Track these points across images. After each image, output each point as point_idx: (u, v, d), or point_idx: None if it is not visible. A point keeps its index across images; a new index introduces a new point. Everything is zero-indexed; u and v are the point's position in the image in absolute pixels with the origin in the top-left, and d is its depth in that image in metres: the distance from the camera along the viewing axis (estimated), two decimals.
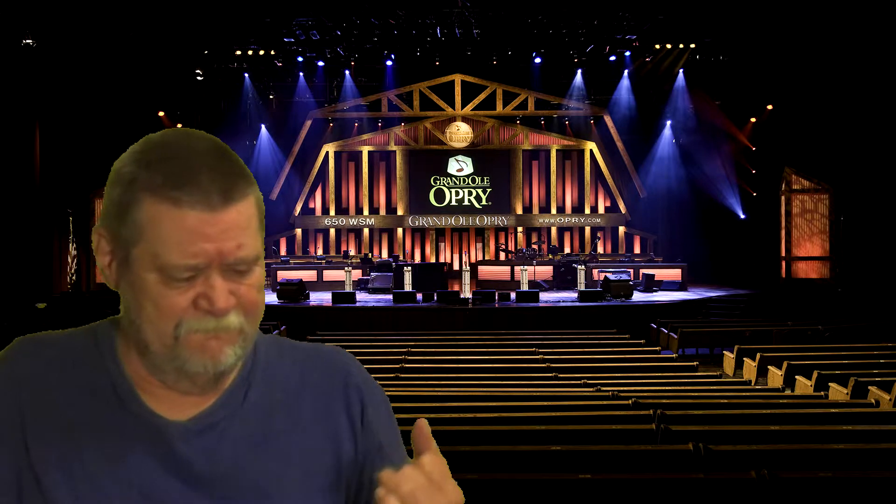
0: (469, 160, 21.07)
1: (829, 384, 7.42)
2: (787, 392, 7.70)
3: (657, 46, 18.59)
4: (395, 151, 21.23)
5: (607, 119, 20.53)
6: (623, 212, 21.10)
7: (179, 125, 18.50)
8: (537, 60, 19.34)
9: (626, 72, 19.64)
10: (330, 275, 17.73)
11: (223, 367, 0.91)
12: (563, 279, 17.63)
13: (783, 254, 18.63)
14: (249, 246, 0.90)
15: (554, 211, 21.23)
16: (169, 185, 0.87)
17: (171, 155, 0.89)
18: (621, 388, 6.98)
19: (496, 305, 14.33)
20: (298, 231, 21.17)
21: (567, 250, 20.80)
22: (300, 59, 19.00)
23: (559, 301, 14.80)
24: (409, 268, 16.64)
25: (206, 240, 0.87)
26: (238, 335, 0.91)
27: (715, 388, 7.48)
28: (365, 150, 21.28)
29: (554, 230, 21.17)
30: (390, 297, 15.34)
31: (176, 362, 0.90)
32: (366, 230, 21.31)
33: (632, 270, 16.66)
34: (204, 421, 0.94)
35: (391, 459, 1.00)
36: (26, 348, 0.97)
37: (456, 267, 20.15)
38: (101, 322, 1.00)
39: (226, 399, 0.96)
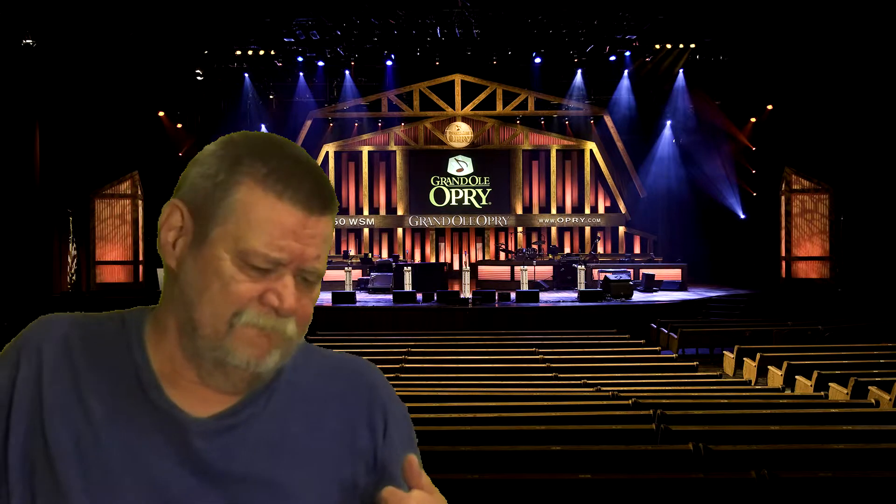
0: (469, 160, 21.07)
1: (829, 384, 7.42)
2: (787, 392, 7.70)
3: (657, 46, 18.58)
4: (395, 151, 21.24)
5: (607, 119, 20.52)
6: (623, 212, 21.10)
7: (179, 125, 18.73)
8: (537, 60, 19.33)
9: (626, 72, 19.64)
10: (330, 275, 17.70)
11: (263, 368, 0.91)
12: (563, 279, 17.63)
13: (783, 254, 18.61)
14: (324, 260, 0.92)
15: (554, 211, 21.23)
16: (276, 177, 0.88)
17: (278, 152, 0.91)
18: (621, 388, 6.98)
19: (496, 305, 14.32)
20: None
21: (567, 250, 20.80)
22: (300, 59, 19.00)
23: (559, 301, 14.80)
24: (409, 268, 16.64)
25: (295, 239, 0.88)
26: (286, 343, 0.91)
27: (715, 388, 7.48)
28: (365, 150, 21.29)
29: (554, 230, 21.17)
30: (390, 297, 15.34)
31: (219, 352, 0.89)
32: (366, 230, 21.32)
33: (632, 270, 16.66)
34: (225, 420, 0.93)
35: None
36: (51, 328, 0.96)
37: (456, 267, 20.15)
38: (130, 310, 0.99)
39: (249, 400, 0.95)
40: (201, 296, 0.89)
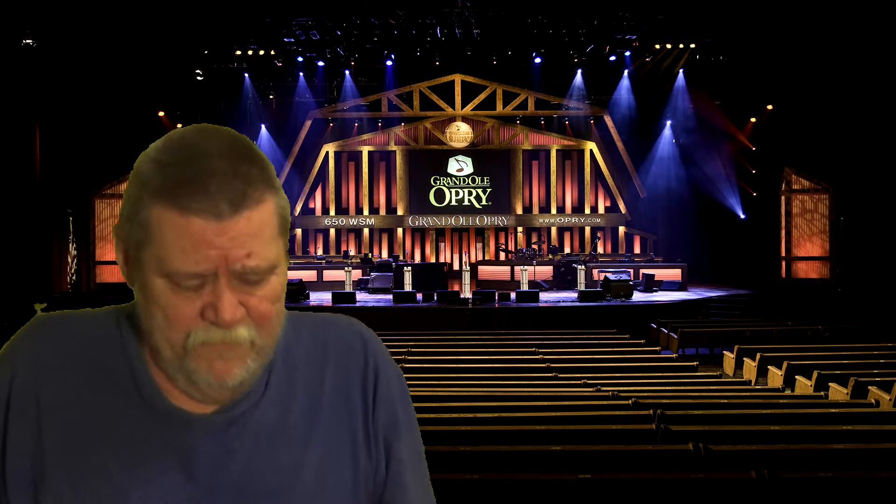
0: (469, 160, 21.07)
1: (829, 384, 7.42)
2: (787, 392, 7.70)
3: (657, 46, 18.59)
4: (395, 151, 21.23)
5: (607, 119, 20.52)
6: (623, 212, 21.10)
7: (180, 125, 18.71)
8: (537, 60, 19.33)
9: (626, 72, 19.64)
10: (330, 275, 17.73)
11: (231, 384, 0.88)
12: (563, 279, 17.62)
13: (783, 254, 18.61)
14: (261, 255, 0.86)
15: (554, 211, 21.22)
16: (176, 191, 0.83)
17: (184, 158, 0.85)
18: (621, 388, 6.97)
19: (496, 305, 14.32)
20: (298, 231, 21.17)
21: (567, 250, 20.80)
22: (300, 59, 19.00)
23: (559, 301, 14.79)
24: (409, 268, 16.64)
25: (210, 247, 0.83)
26: (249, 350, 0.88)
27: (715, 388, 7.48)
28: (365, 150, 21.28)
29: (554, 230, 21.16)
30: (390, 297, 15.34)
31: (184, 372, 0.87)
32: (366, 230, 21.31)
33: (632, 270, 16.66)
34: (227, 414, 0.92)
35: (403, 434, 1.02)
36: (47, 330, 0.94)
37: (456, 267, 20.15)
38: (124, 307, 0.97)
39: (249, 389, 0.93)
40: (151, 323, 0.87)
